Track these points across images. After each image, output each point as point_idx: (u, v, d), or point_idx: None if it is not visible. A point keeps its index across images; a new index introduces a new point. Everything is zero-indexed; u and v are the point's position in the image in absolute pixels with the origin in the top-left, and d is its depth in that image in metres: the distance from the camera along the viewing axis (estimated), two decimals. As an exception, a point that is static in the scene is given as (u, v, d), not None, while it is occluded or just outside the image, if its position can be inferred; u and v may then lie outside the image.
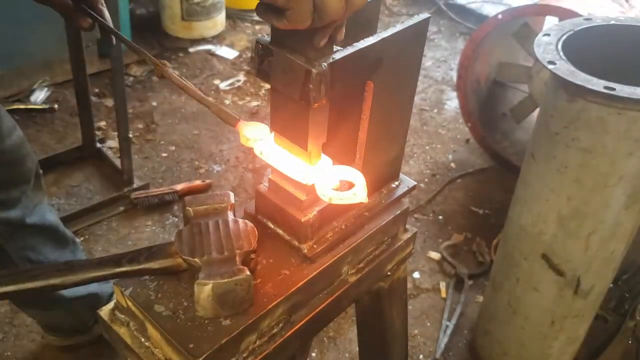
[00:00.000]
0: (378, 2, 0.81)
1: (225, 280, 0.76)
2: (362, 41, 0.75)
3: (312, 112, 0.74)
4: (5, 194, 1.56)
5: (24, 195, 1.60)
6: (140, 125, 3.05)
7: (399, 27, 0.79)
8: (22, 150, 1.56)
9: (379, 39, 0.76)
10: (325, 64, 0.70)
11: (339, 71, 0.72)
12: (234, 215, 0.88)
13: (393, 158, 0.95)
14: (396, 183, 0.99)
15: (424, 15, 0.81)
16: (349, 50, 0.73)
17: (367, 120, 0.82)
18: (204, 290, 0.76)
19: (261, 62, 0.73)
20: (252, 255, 0.84)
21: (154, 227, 2.50)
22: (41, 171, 1.69)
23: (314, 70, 0.69)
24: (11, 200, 1.58)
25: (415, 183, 1.01)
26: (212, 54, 3.63)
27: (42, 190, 1.69)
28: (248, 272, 0.78)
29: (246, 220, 0.86)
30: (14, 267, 1.71)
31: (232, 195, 0.89)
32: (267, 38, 0.73)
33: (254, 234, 0.84)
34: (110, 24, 1.11)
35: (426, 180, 2.88)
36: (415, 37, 0.83)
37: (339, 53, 0.72)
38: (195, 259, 0.80)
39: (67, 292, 1.78)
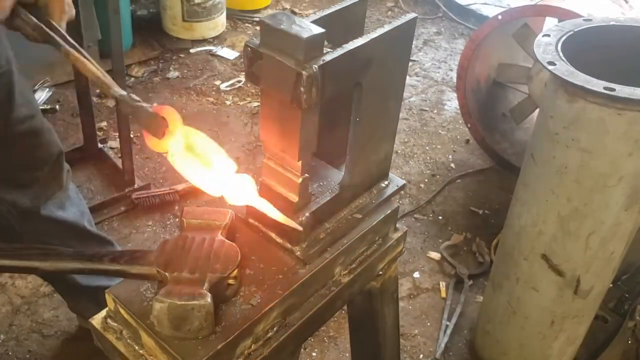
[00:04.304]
0: (364, 3, 0.81)
1: (182, 302, 0.73)
2: (351, 42, 0.75)
3: (303, 114, 0.73)
4: (17, 175, 1.59)
5: (36, 183, 1.62)
6: (141, 125, 3.05)
7: (387, 28, 0.78)
8: (36, 139, 1.57)
9: (367, 39, 0.76)
10: (316, 66, 0.69)
11: (329, 73, 0.72)
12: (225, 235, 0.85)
13: (383, 158, 0.95)
14: (386, 183, 0.99)
15: (411, 15, 0.81)
16: (339, 51, 0.73)
17: (357, 120, 0.82)
18: (160, 308, 0.74)
19: (250, 65, 0.73)
20: (231, 281, 0.81)
21: (155, 227, 2.50)
22: (68, 166, 1.71)
23: (304, 72, 0.69)
24: (21, 183, 1.61)
25: (405, 182, 1.01)
26: (213, 55, 3.63)
27: (58, 183, 1.70)
28: (209, 300, 0.74)
29: (234, 244, 0.83)
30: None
31: (230, 213, 0.87)
32: (257, 41, 0.72)
33: (235, 260, 0.81)
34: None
35: (426, 180, 2.87)
36: (403, 37, 0.83)
37: (329, 55, 0.72)
38: (166, 274, 0.78)
39: (82, 281, 1.81)
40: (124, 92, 0.82)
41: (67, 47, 0.94)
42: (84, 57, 0.92)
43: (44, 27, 0.99)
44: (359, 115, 0.82)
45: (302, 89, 0.69)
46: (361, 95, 0.81)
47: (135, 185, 2.60)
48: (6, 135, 1.51)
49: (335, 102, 0.83)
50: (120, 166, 2.59)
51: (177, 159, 0.79)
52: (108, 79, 0.87)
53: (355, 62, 0.76)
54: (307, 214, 0.86)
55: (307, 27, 0.70)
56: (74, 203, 1.77)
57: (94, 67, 0.88)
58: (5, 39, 1.47)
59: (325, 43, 0.73)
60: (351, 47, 0.74)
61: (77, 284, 1.83)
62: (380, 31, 0.78)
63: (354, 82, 0.79)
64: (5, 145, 1.53)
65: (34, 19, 1.00)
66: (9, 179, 1.60)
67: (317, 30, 0.70)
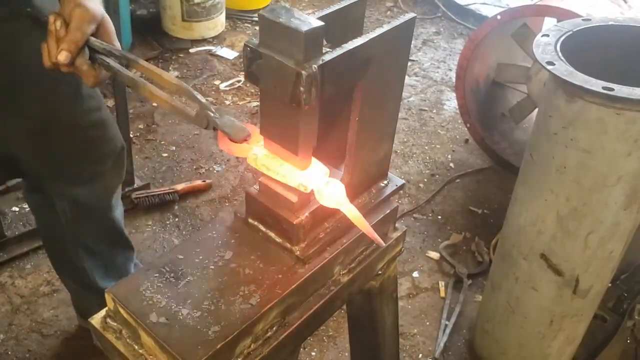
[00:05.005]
0: (363, 3, 0.81)
1: None
2: (350, 42, 0.75)
3: (303, 114, 0.73)
4: (82, 169, 1.58)
5: (100, 177, 1.62)
6: (140, 126, 3.05)
7: (386, 28, 0.78)
8: (101, 132, 1.56)
9: (367, 39, 0.76)
10: (315, 65, 0.69)
11: (329, 72, 0.72)
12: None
13: (382, 157, 0.95)
14: (385, 182, 0.99)
15: (410, 15, 0.81)
16: (338, 51, 0.73)
17: (357, 120, 0.82)
18: None
19: (250, 65, 0.73)
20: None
21: (154, 227, 2.51)
22: (125, 163, 1.70)
23: (304, 72, 0.69)
24: (85, 178, 1.60)
25: (404, 182, 1.01)
26: (213, 55, 3.64)
27: (118, 179, 1.70)
28: None
29: None
30: (67, 260, 1.79)
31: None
32: (256, 41, 0.72)
33: None
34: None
35: (425, 180, 2.87)
36: (402, 37, 0.83)
37: (328, 55, 0.72)
38: None
39: (101, 283, 1.81)
40: (205, 103, 0.82)
41: (132, 75, 0.94)
42: (153, 73, 0.92)
43: (104, 59, 0.98)
44: (358, 115, 0.82)
45: (301, 88, 0.69)
46: (360, 95, 0.81)
47: (135, 184, 2.60)
48: (73, 127, 1.49)
49: (335, 102, 0.83)
50: (120, 166, 2.59)
51: (261, 158, 0.80)
52: (178, 104, 0.86)
53: (354, 61, 0.76)
54: (306, 214, 0.86)
55: (307, 21, 0.70)
56: (119, 203, 1.78)
57: (163, 94, 0.88)
58: None
59: (325, 43, 0.73)
60: (350, 47, 0.74)
61: (95, 285, 1.82)
62: (379, 31, 0.78)
63: (353, 82, 0.79)
64: (72, 137, 1.51)
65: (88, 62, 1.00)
66: (72, 174, 1.58)
67: (317, 23, 0.70)
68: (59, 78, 1.34)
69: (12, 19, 1.26)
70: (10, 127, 1.44)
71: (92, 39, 0.99)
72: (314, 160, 0.80)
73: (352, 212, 0.82)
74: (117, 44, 1.05)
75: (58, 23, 0.98)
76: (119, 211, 1.79)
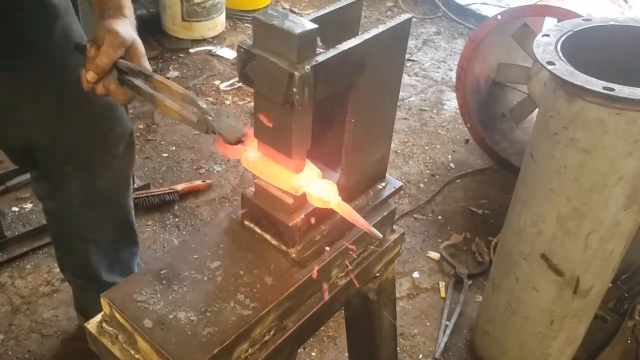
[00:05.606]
0: (359, 4, 0.80)
1: None
2: (344, 43, 0.74)
3: (296, 115, 0.73)
4: (90, 154, 1.59)
5: (109, 161, 1.62)
6: (141, 126, 3.05)
7: (381, 28, 0.78)
8: (112, 113, 1.57)
9: (361, 40, 0.75)
10: (308, 66, 0.69)
11: (323, 73, 0.71)
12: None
13: (379, 159, 0.94)
14: (383, 184, 0.98)
15: (406, 15, 0.80)
16: (332, 52, 0.72)
17: (352, 122, 0.82)
18: None
19: (244, 66, 0.72)
20: None
21: (154, 227, 2.50)
22: (135, 148, 1.70)
23: (296, 73, 0.68)
24: (94, 163, 1.60)
25: (402, 184, 1.00)
26: (213, 55, 3.63)
27: (131, 163, 1.71)
28: None
29: None
30: (72, 252, 1.80)
31: None
32: (250, 42, 0.72)
33: None
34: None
35: (426, 180, 2.87)
36: (398, 38, 0.83)
37: (322, 55, 0.71)
38: None
39: (105, 277, 1.81)
40: (205, 109, 0.84)
41: (152, 92, 0.99)
42: (164, 85, 0.97)
43: (131, 79, 1.05)
44: (354, 117, 0.81)
45: (294, 89, 0.69)
46: (356, 96, 0.80)
47: (135, 185, 2.60)
48: (84, 108, 1.50)
49: (331, 103, 0.82)
50: (120, 166, 2.59)
51: (255, 160, 0.82)
52: (186, 113, 0.89)
53: (349, 63, 0.76)
54: (302, 216, 0.85)
55: (300, 23, 0.70)
56: (130, 197, 1.79)
57: (175, 105, 0.92)
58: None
59: (319, 44, 0.73)
60: (345, 48, 0.73)
61: (98, 278, 1.82)
62: (374, 32, 0.77)
63: (348, 83, 0.79)
64: (84, 118, 1.52)
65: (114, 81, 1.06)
66: (86, 159, 1.59)
67: (310, 26, 0.70)
68: (66, 56, 1.36)
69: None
70: (26, 114, 1.46)
71: (121, 60, 1.07)
72: (306, 162, 0.80)
73: (343, 208, 0.81)
74: (147, 65, 1.11)
75: (93, 50, 1.06)
76: (130, 203, 1.80)
